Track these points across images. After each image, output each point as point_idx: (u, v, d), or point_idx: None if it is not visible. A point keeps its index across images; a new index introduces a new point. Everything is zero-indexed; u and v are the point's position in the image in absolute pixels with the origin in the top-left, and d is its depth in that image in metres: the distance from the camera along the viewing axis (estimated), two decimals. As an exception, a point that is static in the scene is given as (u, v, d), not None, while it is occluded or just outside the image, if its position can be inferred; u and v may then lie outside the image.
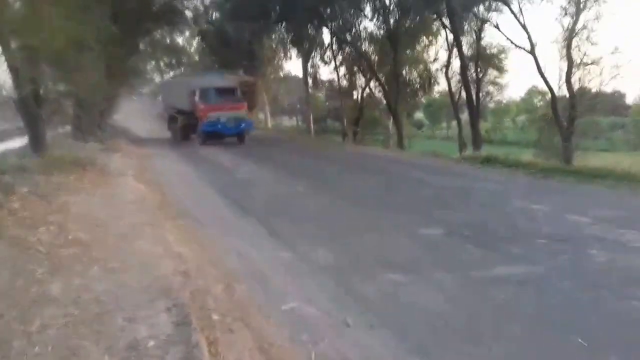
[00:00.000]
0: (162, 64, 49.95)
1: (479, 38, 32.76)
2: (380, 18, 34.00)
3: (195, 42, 47.03)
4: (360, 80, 40.36)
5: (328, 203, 11.46)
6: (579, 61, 24.22)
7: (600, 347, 4.56)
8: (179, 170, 17.44)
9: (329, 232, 8.63)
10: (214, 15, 39.29)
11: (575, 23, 23.97)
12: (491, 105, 61.87)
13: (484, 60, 34.81)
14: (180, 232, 8.29)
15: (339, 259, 7.12)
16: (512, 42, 28.74)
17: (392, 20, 33.54)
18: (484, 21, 31.20)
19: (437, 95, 56.97)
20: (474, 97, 31.32)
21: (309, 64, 40.87)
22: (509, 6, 26.46)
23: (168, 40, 43.76)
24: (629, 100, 69.26)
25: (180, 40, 46.61)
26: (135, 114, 46.73)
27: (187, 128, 29.46)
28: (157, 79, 55.52)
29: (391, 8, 33.37)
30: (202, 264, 6.57)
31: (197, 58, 48.03)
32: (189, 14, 36.88)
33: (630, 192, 12.08)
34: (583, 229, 8.70)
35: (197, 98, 27.58)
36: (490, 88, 42.18)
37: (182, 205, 10.85)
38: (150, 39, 39.15)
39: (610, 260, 6.94)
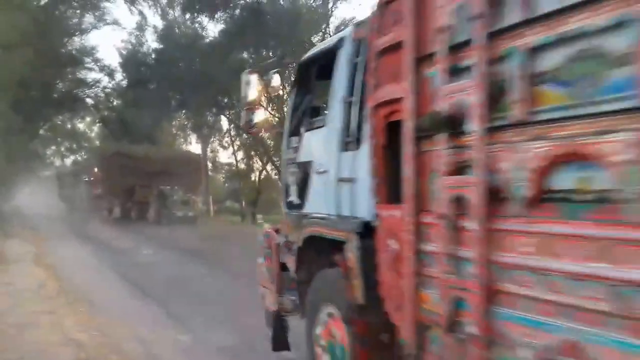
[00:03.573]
0: (62, 148, 48.96)
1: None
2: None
3: (96, 128, 46.45)
4: (257, 163, 40.63)
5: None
6: None
7: None
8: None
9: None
10: (114, 102, 38.90)
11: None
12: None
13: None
14: (79, 318, 7.90)
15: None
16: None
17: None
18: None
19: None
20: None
21: (209, 149, 40.95)
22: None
23: (69, 126, 43.27)
24: None
25: (81, 125, 46.15)
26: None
27: None
28: (57, 162, 54.20)
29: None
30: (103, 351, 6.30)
31: (97, 143, 47.18)
32: (90, 101, 36.91)
33: None
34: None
35: None
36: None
37: (81, 291, 10.31)
38: (51, 124, 38.56)
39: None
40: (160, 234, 21.94)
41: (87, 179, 37.20)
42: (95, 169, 35.26)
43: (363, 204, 3.66)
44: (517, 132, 2.43)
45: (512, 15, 2.43)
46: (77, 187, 40.63)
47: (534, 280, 2.36)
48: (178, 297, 9.38)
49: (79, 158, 50.22)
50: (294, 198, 4.90)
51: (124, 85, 37.08)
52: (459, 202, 2.72)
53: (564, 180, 2.25)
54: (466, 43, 2.65)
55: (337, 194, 4.09)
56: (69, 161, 53.48)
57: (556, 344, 2.25)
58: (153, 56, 36.35)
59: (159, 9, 36.84)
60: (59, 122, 39.97)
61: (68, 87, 34.19)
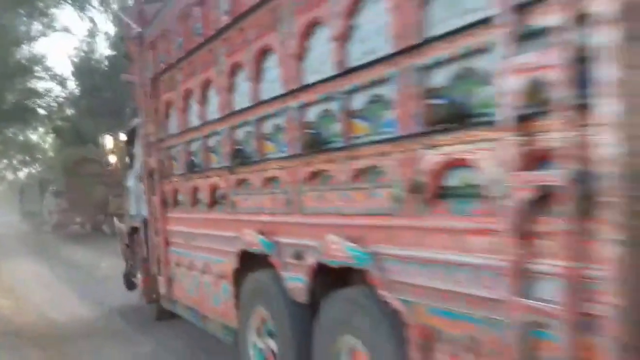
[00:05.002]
0: (15, 161, 52.11)
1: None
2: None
3: (50, 139, 49.56)
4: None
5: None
6: None
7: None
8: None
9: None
10: (68, 111, 41.32)
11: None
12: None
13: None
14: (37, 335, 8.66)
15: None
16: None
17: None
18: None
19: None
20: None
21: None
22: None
23: (21, 138, 46.38)
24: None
25: (34, 137, 49.34)
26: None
27: None
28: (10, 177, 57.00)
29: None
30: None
31: (52, 154, 49.99)
32: (42, 111, 39.51)
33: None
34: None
35: None
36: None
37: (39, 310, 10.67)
38: (2, 137, 41.09)
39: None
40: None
41: (52, 191, 35.23)
42: (63, 180, 33.12)
43: (145, 209, 7.77)
44: (181, 178, 6.55)
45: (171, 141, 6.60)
46: (42, 201, 38.99)
47: (177, 235, 6.50)
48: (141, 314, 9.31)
49: (33, 170, 53.62)
50: (127, 206, 9.16)
51: (78, 94, 39.23)
52: (162, 206, 6.89)
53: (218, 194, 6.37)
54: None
55: (137, 203, 8.34)
56: (22, 174, 57.03)
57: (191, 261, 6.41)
58: (106, 63, 39.85)
59: (110, 15, 40.26)
60: (11, 135, 42.59)
61: (18, 98, 36.48)
